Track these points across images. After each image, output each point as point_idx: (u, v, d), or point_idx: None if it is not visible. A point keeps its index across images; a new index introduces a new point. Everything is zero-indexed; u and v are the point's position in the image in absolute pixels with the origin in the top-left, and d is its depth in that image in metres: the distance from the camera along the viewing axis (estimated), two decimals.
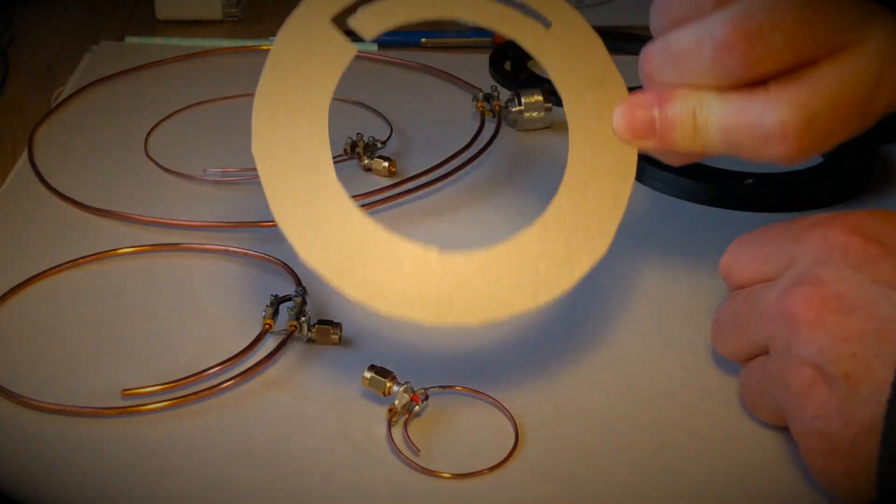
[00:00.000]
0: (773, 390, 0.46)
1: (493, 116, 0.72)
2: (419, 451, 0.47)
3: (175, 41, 0.86)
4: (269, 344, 0.53)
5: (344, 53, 0.48)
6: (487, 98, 0.73)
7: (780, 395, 0.45)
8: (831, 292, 0.43)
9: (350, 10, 0.49)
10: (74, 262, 0.59)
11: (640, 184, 0.67)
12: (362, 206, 0.64)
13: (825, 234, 0.45)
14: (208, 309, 0.56)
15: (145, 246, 0.61)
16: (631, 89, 0.49)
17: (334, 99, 0.48)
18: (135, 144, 0.71)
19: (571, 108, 0.50)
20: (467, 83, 0.78)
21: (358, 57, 0.48)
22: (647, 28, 0.49)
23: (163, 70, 0.82)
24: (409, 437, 0.48)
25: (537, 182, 0.67)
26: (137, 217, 0.63)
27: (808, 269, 0.44)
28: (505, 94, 0.74)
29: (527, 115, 0.72)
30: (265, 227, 0.62)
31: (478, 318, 0.46)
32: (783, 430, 0.48)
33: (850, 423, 0.42)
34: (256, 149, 0.47)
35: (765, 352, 0.46)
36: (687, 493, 0.46)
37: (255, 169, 0.47)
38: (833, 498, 0.44)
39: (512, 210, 0.65)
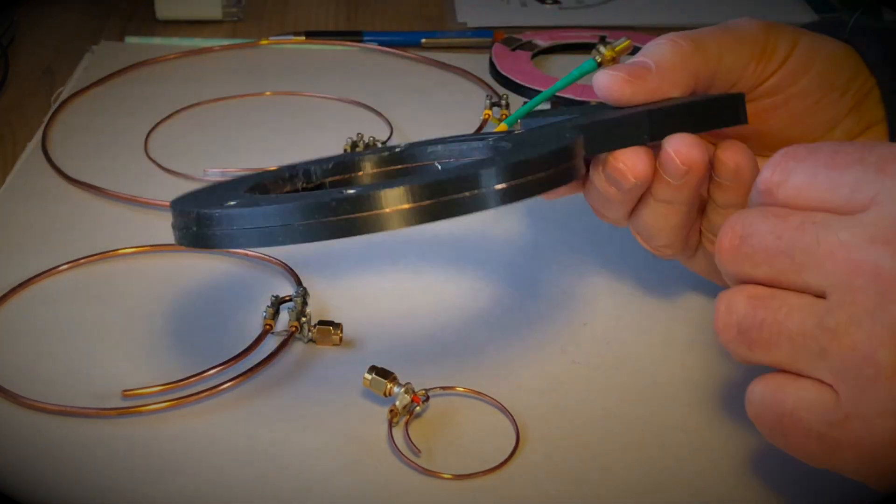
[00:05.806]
0: (827, 345, 0.37)
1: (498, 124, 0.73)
2: (420, 451, 0.47)
3: (175, 41, 0.86)
4: (270, 344, 0.53)
5: None
6: (495, 106, 0.73)
7: (845, 357, 0.37)
8: None
9: None
10: (74, 262, 0.59)
11: None
12: None
13: None
14: (208, 309, 0.56)
15: (145, 246, 0.61)
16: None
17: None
18: (135, 144, 0.71)
19: None
20: (467, 82, 0.78)
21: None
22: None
23: (163, 70, 0.82)
24: (409, 438, 0.48)
25: None
26: (138, 217, 0.63)
27: None
28: (515, 103, 0.74)
29: None
30: None
31: None
32: None
33: None
34: None
35: (809, 292, 0.38)
36: (687, 492, 0.46)
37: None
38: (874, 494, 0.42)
39: (512, 210, 0.65)
